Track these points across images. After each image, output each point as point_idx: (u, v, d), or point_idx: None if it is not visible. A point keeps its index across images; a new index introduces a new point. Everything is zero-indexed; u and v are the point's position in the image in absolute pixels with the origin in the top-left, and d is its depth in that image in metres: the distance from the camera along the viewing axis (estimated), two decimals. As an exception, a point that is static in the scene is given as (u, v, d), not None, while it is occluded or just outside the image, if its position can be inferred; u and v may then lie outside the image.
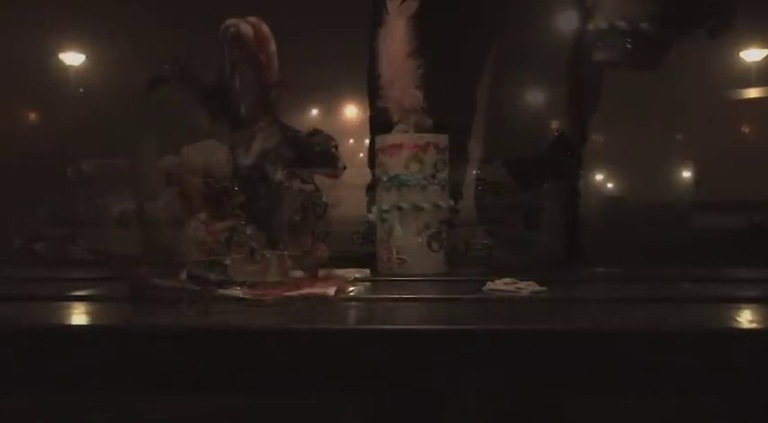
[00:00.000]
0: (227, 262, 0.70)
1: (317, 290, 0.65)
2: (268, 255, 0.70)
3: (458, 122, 1.04)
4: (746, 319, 0.57)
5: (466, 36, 1.11)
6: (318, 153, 0.74)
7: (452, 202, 0.89)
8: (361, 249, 0.93)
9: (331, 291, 0.65)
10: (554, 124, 0.78)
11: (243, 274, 0.69)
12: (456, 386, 0.54)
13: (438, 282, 0.81)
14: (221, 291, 0.66)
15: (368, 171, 1.06)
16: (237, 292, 0.65)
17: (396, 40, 0.87)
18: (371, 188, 0.98)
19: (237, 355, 0.53)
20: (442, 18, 1.07)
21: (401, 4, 0.87)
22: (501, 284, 0.71)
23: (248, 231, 0.70)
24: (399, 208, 0.85)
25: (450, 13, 1.10)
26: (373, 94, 0.93)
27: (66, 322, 0.60)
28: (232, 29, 0.72)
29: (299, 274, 0.72)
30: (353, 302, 0.66)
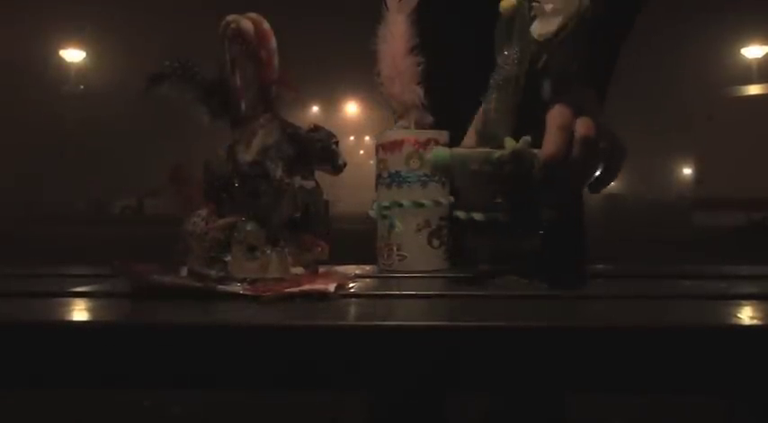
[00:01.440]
0: (228, 258, 0.70)
1: (317, 286, 0.65)
2: (268, 251, 0.70)
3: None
4: (747, 315, 0.57)
5: (471, 32, 1.10)
6: (319, 150, 0.74)
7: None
8: None
9: (331, 287, 0.65)
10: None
11: (243, 270, 0.69)
12: (457, 383, 0.54)
13: (439, 278, 0.81)
14: (221, 287, 0.66)
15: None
16: (238, 288, 0.66)
17: (396, 36, 0.87)
18: None
19: (237, 351, 0.53)
20: (442, 15, 1.06)
21: (401, 0, 0.87)
22: None
23: (249, 228, 0.70)
24: (399, 205, 0.85)
25: (451, 11, 1.09)
26: None
27: (67, 318, 0.60)
28: (233, 25, 0.72)
29: (299, 270, 0.72)
30: (354, 299, 0.66)
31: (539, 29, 0.70)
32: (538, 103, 0.69)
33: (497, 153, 0.66)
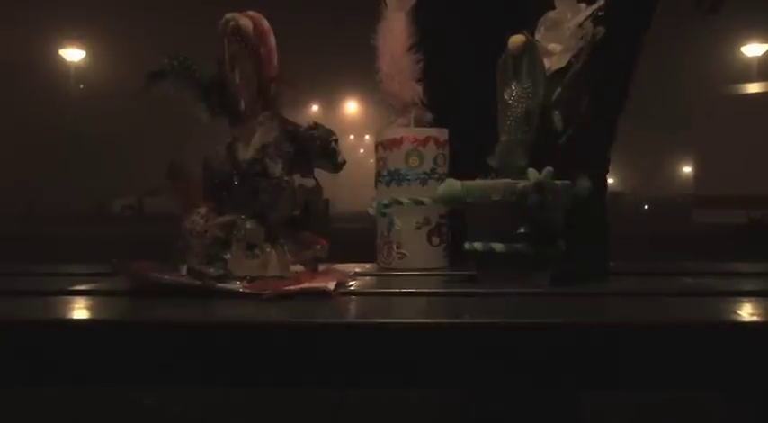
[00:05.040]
0: (227, 256, 0.70)
1: (316, 284, 0.65)
2: (268, 249, 0.70)
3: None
4: (747, 312, 0.57)
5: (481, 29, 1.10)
6: (318, 148, 0.74)
7: None
8: None
9: (331, 285, 0.65)
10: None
11: (243, 268, 0.69)
12: (456, 380, 0.54)
13: (438, 276, 0.81)
14: (221, 285, 0.66)
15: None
16: (237, 286, 0.65)
17: (395, 34, 0.86)
18: None
19: (237, 349, 0.53)
20: (443, 13, 1.06)
21: (400, -3, 0.87)
22: None
23: (248, 226, 0.70)
24: (399, 203, 0.85)
25: (451, 10, 1.09)
26: None
27: (67, 316, 0.60)
28: (232, 23, 0.72)
29: (299, 268, 0.72)
30: (353, 296, 0.66)
31: (548, 64, 0.71)
32: (549, 135, 0.71)
33: (521, 183, 0.67)
